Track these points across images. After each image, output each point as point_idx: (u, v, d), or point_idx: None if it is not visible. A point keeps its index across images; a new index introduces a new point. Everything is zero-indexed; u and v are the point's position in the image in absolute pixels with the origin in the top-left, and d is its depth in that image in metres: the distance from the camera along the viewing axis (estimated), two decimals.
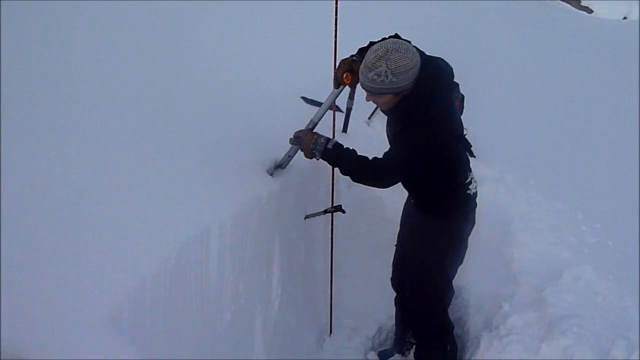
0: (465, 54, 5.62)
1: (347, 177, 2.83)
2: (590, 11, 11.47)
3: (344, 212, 3.32)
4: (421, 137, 2.59)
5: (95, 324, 1.80)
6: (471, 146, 4.30)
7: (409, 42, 2.62)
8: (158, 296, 2.12)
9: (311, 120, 2.90)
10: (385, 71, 2.46)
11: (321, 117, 2.91)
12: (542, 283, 3.12)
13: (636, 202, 4.13)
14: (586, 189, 4.33)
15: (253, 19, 5.17)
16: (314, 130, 2.85)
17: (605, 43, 8.46)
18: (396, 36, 2.72)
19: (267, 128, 3.30)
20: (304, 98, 4.09)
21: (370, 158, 2.73)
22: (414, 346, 3.46)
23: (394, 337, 3.73)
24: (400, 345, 3.67)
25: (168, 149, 2.77)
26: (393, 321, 3.67)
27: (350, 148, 2.80)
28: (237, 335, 2.79)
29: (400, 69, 2.47)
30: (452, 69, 2.77)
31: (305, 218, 3.36)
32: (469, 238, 3.12)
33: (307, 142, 2.77)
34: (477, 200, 3.04)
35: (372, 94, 2.62)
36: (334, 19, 3.05)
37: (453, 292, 3.39)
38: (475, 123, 4.47)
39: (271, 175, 3.00)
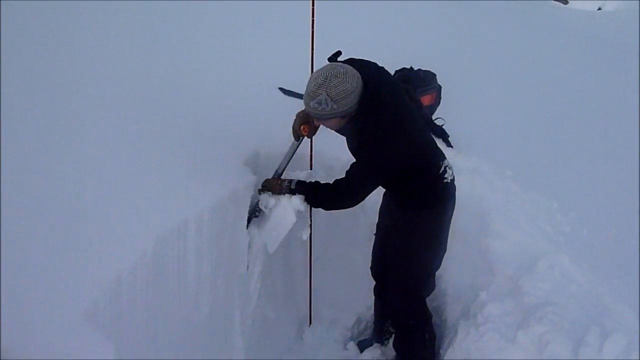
0: (440, 48, 5.66)
1: (320, 208, 2.97)
2: (565, 2, 11.57)
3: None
4: (379, 148, 2.60)
5: (72, 319, 1.78)
6: (448, 136, 4.35)
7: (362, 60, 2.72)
8: (135, 291, 2.11)
9: (275, 171, 3.02)
10: (326, 99, 2.49)
11: (285, 168, 3.03)
12: (518, 272, 3.16)
13: (611, 191, 4.20)
14: (562, 179, 4.38)
15: (236, 18, 5.15)
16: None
17: (580, 34, 8.55)
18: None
19: (244, 121, 3.29)
20: (281, 89, 4.08)
21: (332, 182, 2.81)
22: (393, 335, 3.48)
23: (373, 326, 3.76)
24: (379, 334, 3.70)
25: (144, 143, 2.75)
26: (372, 311, 3.69)
27: (313, 181, 2.93)
28: (216, 328, 2.78)
29: (341, 95, 2.49)
30: (391, 76, 2.86)
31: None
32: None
33: (274, 188, 2.92)
34: (456, 187, 3.06)
35: (318, 119, 2.66)
36: (311, 20, 3.06)
37: (434, 287, 3.39)
38: (453, 114, 4.53)
39: (246, 228, 3.04)
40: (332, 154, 3.51)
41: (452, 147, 4.32)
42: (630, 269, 3.28)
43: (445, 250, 3.18)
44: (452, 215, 3.08)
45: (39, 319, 1.70)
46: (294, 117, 2.90)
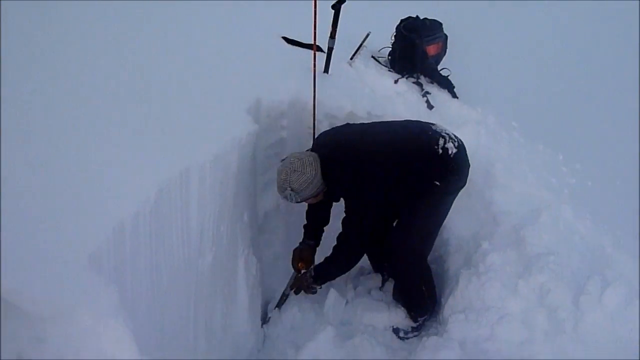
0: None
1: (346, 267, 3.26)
2: None
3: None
4: (358, 176, 2.87)
5: (75, 264, 1.78)
6: (454, 87, 4.29)
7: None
8: (138, 237, 2.10)
9: (283, 292, 3.50)
10: (290, 193, 2.87)
11: (288, 293, 3.48)
12: (521, 223, 3.16)
13: (617, 143, 4.16)
14: (568, 131, 4.34)
15: None
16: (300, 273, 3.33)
17: None
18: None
19: (246, 70, 3.24)
20: (284, 38, 4.01)
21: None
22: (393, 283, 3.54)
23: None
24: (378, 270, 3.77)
25: (147, 93, 2.71)
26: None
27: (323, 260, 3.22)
28: (220, 275, 2.81)
29: (303, 185, 2.85)
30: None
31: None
32: None
33: (306, 288, 3.26)
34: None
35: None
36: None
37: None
38: (459, 64, 4.46)
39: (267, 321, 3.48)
40: (334, 103, 3.47)
41: (457, 98, 4.27)
42: (634, 220, 3.27)
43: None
44: (461, 186, 3.15)
45: (41, 263, 1.70)
46: (292, 253, 3.36)
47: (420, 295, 3.25)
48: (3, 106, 2.11)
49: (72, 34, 2.86)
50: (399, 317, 3.35)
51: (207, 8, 3.91)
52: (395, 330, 3.33)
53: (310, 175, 2.84)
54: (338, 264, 3.17)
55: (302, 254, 3.32)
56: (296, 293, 3.33)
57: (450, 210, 3.20)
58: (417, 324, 3.31)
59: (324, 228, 3.41)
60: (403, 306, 3.37)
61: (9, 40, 2.48)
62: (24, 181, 1.93)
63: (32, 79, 2.39)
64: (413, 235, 3.07)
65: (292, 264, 3.37)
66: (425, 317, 3.31)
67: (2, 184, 1.83)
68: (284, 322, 3.43)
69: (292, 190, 2.85)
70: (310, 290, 3.26)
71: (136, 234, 2.09)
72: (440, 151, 2.93)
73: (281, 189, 2.89)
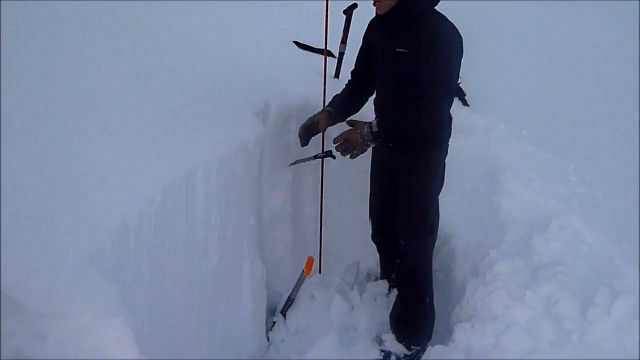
0: (461, 5, 5.50)
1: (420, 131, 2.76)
2: None
3: (334, 157, 3.29)
4: (445, 21, 2.63)
5: (76, 262, 1.78)
6: (465, 95, 4.27)
7: None
8: (142, 237, 2.10)
9: (288, 297, 3.42)
10: None
11: (296, 293, 3.40)
12: (529, 231, 3.13)
13: (628, 154, 4.12)
14: (578, 141, 4.31)
15: None
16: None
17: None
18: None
19: (256, 73, 3.24)
20: (296, 42, 4.01)
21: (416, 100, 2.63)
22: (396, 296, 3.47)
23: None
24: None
25: (154, 92, 2.71)
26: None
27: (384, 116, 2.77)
28: (224, 278, 2.80)
29: None
30: None
31: (291, 164, 3.33)
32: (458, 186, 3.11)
33: (354, 139, 2.72)
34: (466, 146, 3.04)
35: None
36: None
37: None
38: (470, 72, 4.43)
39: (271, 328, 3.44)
40: None
41: (468, 105, 4.25)
42: None
43: None
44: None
45: (43, 260, 1.70)
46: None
47: (421, 311, 3.20)
48: (6, 104, 2.12)
49: (79, 34, 2.87)
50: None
51: (218, 10, 3.93)
52: (387, 355, 3.22)
53: None
54: (424, 124, 2.71)
55: (314, 120, 2.95)
56: (344, 153, 2.80)
57: (457, 217, 3.17)
58: (411, 352, 3.22)
59: (356, 104, 3.05)
60: (397, 332, 3.28)
61: (11, 40, 2.49)
62: (27, 178, 1.93)
63: (37, 77, 2.40)
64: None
65: (299, 134, 2.99)
66: (419, 348, 3.22)
67: (4, 180, 1.84)
68: (288, 327, 3.41)
69: None
70: (362, 149, 2.75)
71: (140, 233, 2.08)
72: None
73: None
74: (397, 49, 2.68)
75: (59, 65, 2.54)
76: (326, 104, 3.13)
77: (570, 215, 3.21)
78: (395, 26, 2.69)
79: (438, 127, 2.83)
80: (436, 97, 2.63)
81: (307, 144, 3.03)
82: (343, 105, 3.03)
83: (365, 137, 2.70)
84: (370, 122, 2.73)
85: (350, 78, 3.14)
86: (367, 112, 3.00)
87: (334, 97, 3.08)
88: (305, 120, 3.01)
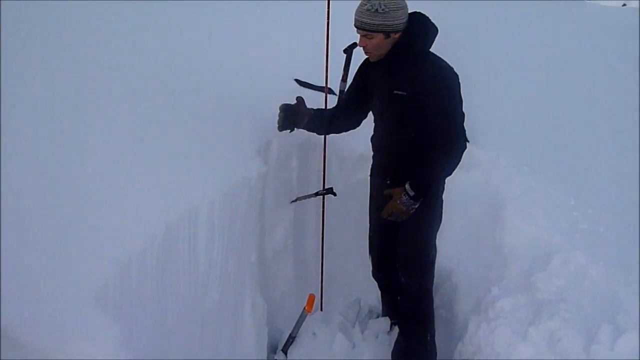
0: (460, 37, 5.59)
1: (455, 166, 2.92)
2: None
3: (335, 194, 3.32)
4: (442, 61, 2.77)
5: (81, 300, 1.79)
6: (465, 131, 4.29)
7: None
8: (145, 274, 2.11)
9: (290, 335, 3.37)
10: (379, 3, 2.64)
11: (298, 330, 3.35)
12: (531, 267, 3.12)
13: (630, 188, 4.12)
14: (580, 175, 4.31)
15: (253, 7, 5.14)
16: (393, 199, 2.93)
17: (604, 30, 8.40)
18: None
19: (258, 111, 3.27)
20: (297, 80, 4.06)
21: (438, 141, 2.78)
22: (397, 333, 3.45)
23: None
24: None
25: (158, 129, 2.75)
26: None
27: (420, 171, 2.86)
28: (226, 315, 2.79)
29: (391, 6, 2.66)
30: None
31: (292, 202, 3.35)
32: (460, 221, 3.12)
33: (399, 210, 2.89)
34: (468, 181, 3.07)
35: (365, 31, 2.71)
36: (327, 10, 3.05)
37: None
38: (469, 106, 4.47)
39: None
40: (345, 144, 3.49)
41: (468, 141, 4.27)
42: None
43: None
44: None
45: (45, 298, 1.71)
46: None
47: (423, 348, 3.17)
48: (7, 139, 2.15)
49: (74, 66, 2.92)
50: None
51: (221, 48, 3.99)
52: None
53: (401, 4, 2.70)
54: (449, 166, 2.88)
55: (299, 110, 3.00)
56: (392, 218, 2.95)
57: (459, 252, 3.17)
58: None
59: (331, 127, 3.16)
60: None
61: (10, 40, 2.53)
62: (31, 215, 1.96)
63: (34, 122, 2.43)
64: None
65: (280, 114, 3.00)
66: None
67: (8, 217, 1.86)
68: None
69: (380, 2, 2.64)
70: (409, 214, 2.90)
71: (142, 270, 2.10)
72: None
73: (368, 1, 2.67)
74: (395, 91, 2.76)
75: (60, 100, 2.59)
76: (327, 143, 3.16)
77: (572, 251, 3.20)
78: (392, 68, 2.78)
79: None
80: (458, 145, 2.83)
81: (283, 130, 3.04)
82: (323, 120, 3.11)
83: (407, 204, 2.86)
84: (404, 188, 2.86)
85: (337, 104, 3.19)
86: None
87: (319, 109, 3.14)
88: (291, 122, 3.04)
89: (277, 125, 3.00)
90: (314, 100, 3.54)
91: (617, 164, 4.47)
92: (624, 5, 11.16)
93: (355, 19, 2.72)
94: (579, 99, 5.58)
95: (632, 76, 6.09)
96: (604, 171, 4.41)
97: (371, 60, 2.84)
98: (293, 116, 3.02)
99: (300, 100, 3.04)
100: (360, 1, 2.72)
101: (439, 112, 2.75)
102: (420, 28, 2.76)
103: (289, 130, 3.04)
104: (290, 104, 3.03)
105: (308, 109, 3.07)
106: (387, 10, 2.65)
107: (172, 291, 2.32)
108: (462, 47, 5.19)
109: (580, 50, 7.01)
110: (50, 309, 1.72)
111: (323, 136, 3.26)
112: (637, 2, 11.07)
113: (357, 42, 2.87)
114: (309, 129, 3.12)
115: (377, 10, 2.65)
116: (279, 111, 3.00)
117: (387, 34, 2.71)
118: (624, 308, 2.84)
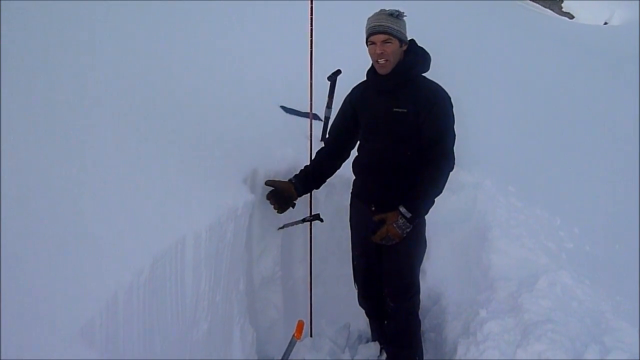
0: (444, 60, 5.67)
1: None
2: (571, 17, 11.60)
3: (322, 220, 3.33)
4: (436, 83, 2.91)
5: (67, 335, 1.79)
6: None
7: None
8: (132, 308, 2.11)
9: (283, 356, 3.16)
10: (398, 11, 2.79)
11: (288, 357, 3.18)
12: (519, 289, 3.14)
13: (615, 208, 4.18)
14: (565, 195, 4.37)
15: (238, 31, 5.18)
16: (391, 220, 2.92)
17: (587, 48, 8.56)
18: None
19: (243, 139, 3.30)
20: (283, 107, 4.10)
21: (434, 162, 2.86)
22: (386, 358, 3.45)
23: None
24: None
25: (143, 159, 2.76)
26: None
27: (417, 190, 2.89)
28: (215, 345, 2.79)
29: (403, 17, 2.84)
30: None
31: (279, 229, 3.37)
32: (447, 244, 3.15)
33: (394, 234, 2.89)
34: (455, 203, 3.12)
35: (387, 35, 2.78)
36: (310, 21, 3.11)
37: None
38: (456, 129, 4.53)
39: None
40: None
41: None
42: (633, 286, 3.26)
43: None
44: None
45: (33, 335, 1.71)
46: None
47: None
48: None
49: (71, 76, 2.93)
50: None
51: (203, 72, 4.01)
52: None
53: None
54: (441, 185, 2.92)
55: (277, 194, 3.10)
56: (384, 242, 2.95)
57: (447, 275, 3.20)
58: None
59: (323, 177, 3.22)
60: None
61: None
62: (15, 252, 1.95)
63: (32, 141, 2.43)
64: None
65: (269, 200, 3.13)
66: None
67: None
68: None
69: (398, 11, 2.81)
70: (402, 237, 2.90)
71: (129, 304, 2.09)
72: None
73: (385, 10, 2.82)
74: (395, 109, 2.83)
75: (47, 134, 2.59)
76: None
77: (559, 271, 3.24)
78: (394, 87, 2.86)
79: None
80: (450, 163, 2.90)
81: (283, 212, 3.15)
82: (307, 178, 3.17)
83: (403, 227, 2.87)
84: (399, 210, 2.87)
85: (323, 146, 3.25)
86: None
87: (302, 170, 3.20)
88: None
89: (277, 212, 3.14)
90: (300, 127, 3.58)
91: (601, 183, 4.54)
92: (606, 23, 11.35)
93: (373, 26, 2.80)
94: (563, 120, 5.67)
95: (615, 96, 6.20)
96: (589, 190, 4.48)
97: (381, 72, 2.87)
98: (281, 199, 3.11)
99: (270, 183, 3.12)
100: (373, 13, 2.85)
101: (435, 130, 2.84)
102: (423, 52, 2.91)
103: (291, 207, 3.17)
104: (270, 190, 3.13)
105: (286, 182, 3.14)
106: (402, 18, 2.82)
107: (159, 324, 2.32)
108: (446, 69, 5.26)
109: (563, 71, 7.14)
110: (36, 346, 1.71)
111: (309, 161, 3.29)
112: (620, 18, 11.28)
113: (339, 71, 2.94)
114: (306, 190, 3.22)
115: (398, 15, 2.79)
116: (268, 201, 3.13)
117: (401, 42, 2.82)
118: (610, 327, 2.87)
